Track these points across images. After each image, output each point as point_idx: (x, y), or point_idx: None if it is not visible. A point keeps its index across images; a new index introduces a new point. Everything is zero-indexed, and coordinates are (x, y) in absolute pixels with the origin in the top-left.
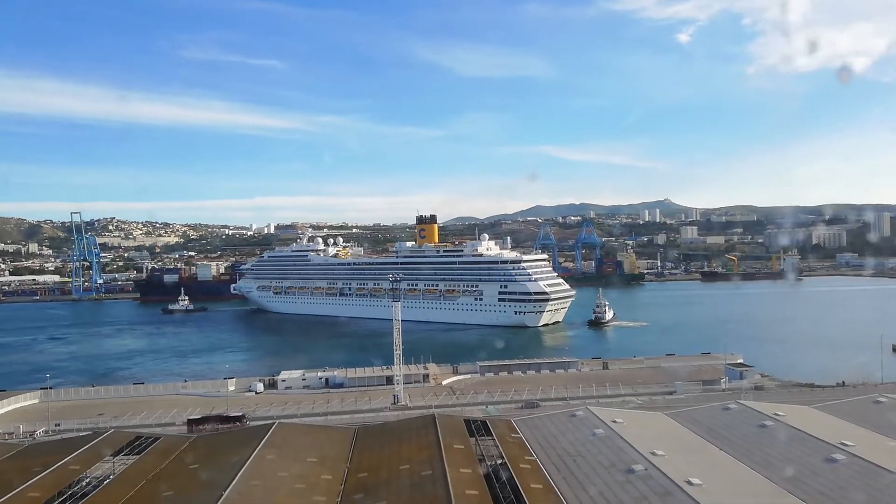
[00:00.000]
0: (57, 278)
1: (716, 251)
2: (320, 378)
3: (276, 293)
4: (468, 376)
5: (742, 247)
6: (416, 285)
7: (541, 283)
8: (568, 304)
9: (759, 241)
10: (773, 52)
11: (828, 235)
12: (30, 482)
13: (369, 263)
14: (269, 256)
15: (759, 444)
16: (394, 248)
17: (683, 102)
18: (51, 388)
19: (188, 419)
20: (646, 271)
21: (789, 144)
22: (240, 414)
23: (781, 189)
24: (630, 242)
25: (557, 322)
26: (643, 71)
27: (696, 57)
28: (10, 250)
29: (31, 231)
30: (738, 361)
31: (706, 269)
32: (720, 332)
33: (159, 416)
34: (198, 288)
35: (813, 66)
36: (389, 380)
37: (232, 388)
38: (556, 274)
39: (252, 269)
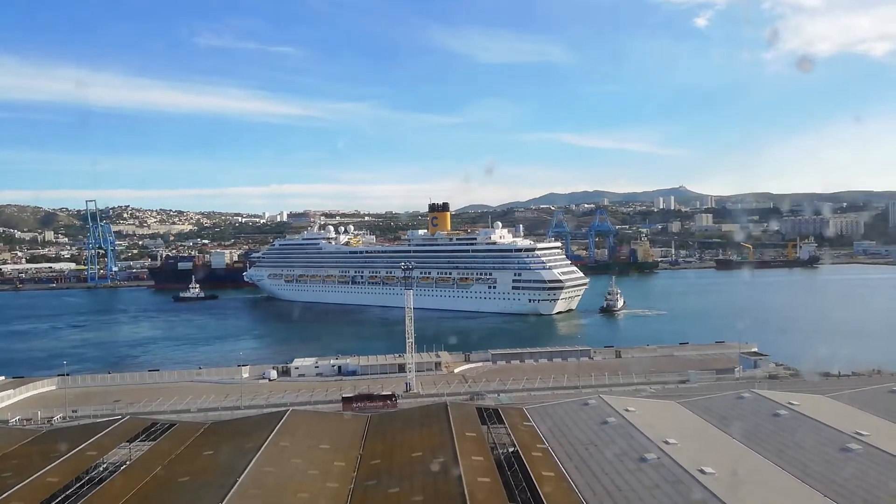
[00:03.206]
0: (73, 266)
1: (731, 239)
2: (333, 365)
3: (288, 281)
4: (480, 364)
5: (758, 234)
6: (429, 273)
7: (555, 270)
8: (582, 292)
9: (776, 228)
10: (794, 37)
11: (845, 223)
12: (48, 467)
13: (381, 251)
14: (280, 244)
15: (773, 433)
16: (406, 236)
17: (701, 88)
18: (68, 374)
19: (343, 396)
20: (660, 259)
21: (808, 131)
22: (390, 393)
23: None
24: (644, 230)
25: (571, 310)
26: (661, 56)
27: (715, 42)
28: (27, 238)
29: (47, 219)
30: (753, 350)
31: (721, 257)
32: (734, 321)
33: (174, 403)
34: (211, 275)
35: (833, 50)
36: (402, 367)
37: (246, 375)
38: (569, 262)
39: (263, 258)
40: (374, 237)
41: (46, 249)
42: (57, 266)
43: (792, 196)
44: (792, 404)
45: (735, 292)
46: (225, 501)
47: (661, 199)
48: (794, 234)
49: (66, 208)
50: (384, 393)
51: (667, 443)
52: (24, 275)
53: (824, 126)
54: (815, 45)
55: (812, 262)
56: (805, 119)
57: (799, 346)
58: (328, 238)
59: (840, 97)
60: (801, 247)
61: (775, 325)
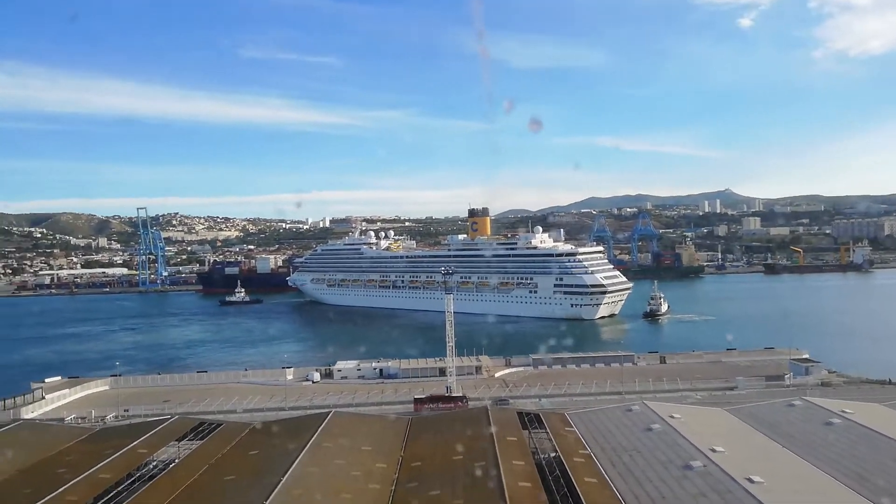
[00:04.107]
0: (125, 271)
1: (780, 243)
2: (375, 368)
3: (330, 286)
4: (521, 369)
5: (808, 238)
6: (470, 278)
7: (597, 275)
8: (625, 297)
9: (827, 231)
10: (843, 36)
11: None
12: (101, 464)
13: (422, 256)
14: (322, 250)
15: (825, 442)
16: (446, 241)
17: (746, 89)
18: (120, 375)
19: (414, 398)
20: (705, 264)
21: (859, 131)
22: (461, 395)
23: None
24: (689, 234)
25: (614, 315)
26: (703, 58)
27: (760, 42)
28: (82, 245)
29: (101, 226)
30: (804, 357)
31: (770, 261)
32: (784, 326)
33: (221, 404)
34: (256, 280)
35: (886, 47)
36: (442, 371)
37: (290, 377)
38: (612, 266)
39: (306, 263)
40: (414, 242)
41: (100, 255)
42: (110, 271)
43: (844, 198)
44: (846, 412)
45: (785, 297)
46: (269, 500)
47: (707, 203)
48: (846, 238)
49: (119, 216)
50: (455, 395)
51: (713, 450)
52: (79, 279)
53: (876, 126)
54: (865, 44)
55: (866, 266)
56: (856, 119)
57: (854, 352)
58: (369, 243)
59: (891, 96)
60: (854, 250)
61: (828, 330)
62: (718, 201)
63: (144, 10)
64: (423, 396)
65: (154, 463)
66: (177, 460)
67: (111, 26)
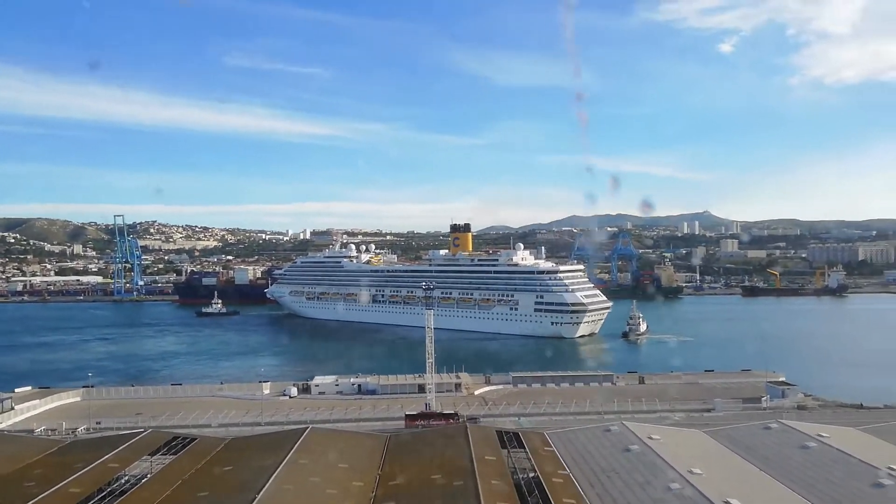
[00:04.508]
0: (100, 279)
1: (757, 265)
2: (353, 384)
3: (309, 298)
4: (501, 387)
5: (785, 261)
6: (451, 294)
7: (578, 293)
8: (605, 316)
9: (803, 255)
10: (819, 64)
11: (875, 251)
12: (71, 478)
13: (403, 271)
14: (301, 262)
15: (801, 465)
16: (427, 256)
17: (726, 113)
18: (92, 386)
19: (406, 413)
20: (684, 284)
21: (834, 157)
22: (453, 412)
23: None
24: (668, 255)
25: (593, 333)
26: (685, 81)
27: (740, 67)
28: (56, 251)
29: (76, 233)
30: (781, 380)
31: (747, 283)
32: (761, 349)
33: (196, 418)
34: (234, 291)
35: (861, 77)
36: (422, 388)
37: (267, 391)
38: (592, 285)
39: (285, 275)
40: (395, 256)
41: (75, 262)
42: (84, 279)
43: (820, 223)
44: (822, 436)
45: (762, 320)
46: None
47: (686, 224)
48: (822, 262)
49: (95, 223)
50: (447, 412)
51: (691, 472)
52: (52, 287)
53: (852, 152)
54: (841, 72)
55: (841, 290)
56: (833, 145)
57: (829, 376)
58: (350, 256)
59: (868, 124)
60: (829, 275)
61: (804, 354)
62: (697, 223)
63: (128, 16)
64: (415, 413)
65: (126, 478)
66: (149, 475)
67: (94, 31)
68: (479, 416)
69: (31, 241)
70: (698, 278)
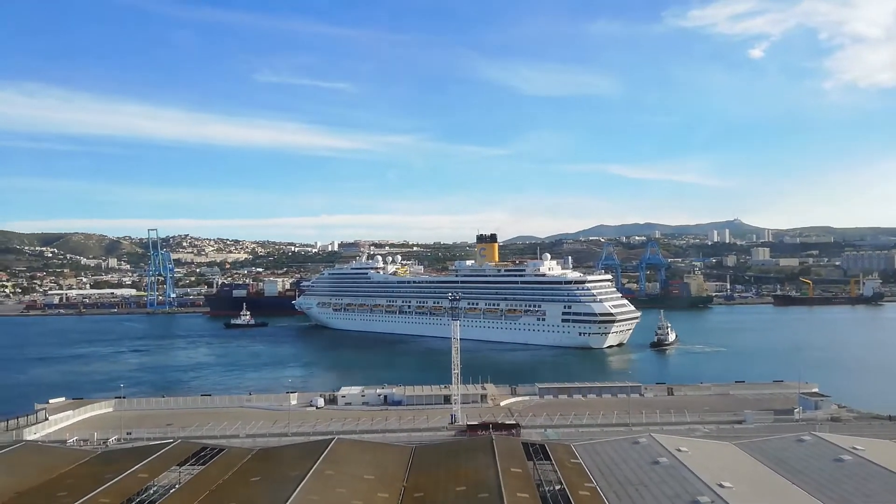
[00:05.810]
0: (133, 292)
1: (789, 274)
2: (379, 395)
3: (336, 310)
4: (527, 398)
5: (818, 269)
6: (477, 304)
7: (606, 304)
8: (633, 326)
9: (837, 263)
10: (853, 67)
11: None
12: (101, 488)
13: (429, 282)
14: (329, 274)
15: (835, 479)
16: (453, 267)
17: (756, 119)
18: (124, 397)
19: (468, 424)
20: (714, 294)
21: (869, 163)
22: (514, 422)
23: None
24: (697, 264)
25: (622, 344)
26: (713, 87)
27: (770, 73)
28: (92, 265)
29: (112, 247)
30: (814, 391)
31: (779, 292)
32: (794, 359)
33: (224, 428)
34: (264, 303)
35: (895, 80)
36: (447, 399)
37: (294, 402)
38: (620, 295)
39: (313, 286)
40: (421, 267)
41: (109, 276)
42: (119, 292)
43: (854, 230)
44: (857, 449)
45: (795, 329)
46: None
47: (716, 232)
48: (856, 270)
49: (130, 237)
50: (508, 422)
51: (721, 486)
52: (87, 300)
53: (886, 158)
54: (876, 75)
55: (876, 299)
56: (867, 149)
57: (864, 387)
58: (377, 268)
59: None
60: (864, 283)
61: (838, 364)
62: (727, 231)
63: (161, 34)
64: (477, 423)
65: (154, 488)
66: (177, 486)
67: (128, 50)
68: (546, 426)
69: (68, 256)
70: (729, 287)
